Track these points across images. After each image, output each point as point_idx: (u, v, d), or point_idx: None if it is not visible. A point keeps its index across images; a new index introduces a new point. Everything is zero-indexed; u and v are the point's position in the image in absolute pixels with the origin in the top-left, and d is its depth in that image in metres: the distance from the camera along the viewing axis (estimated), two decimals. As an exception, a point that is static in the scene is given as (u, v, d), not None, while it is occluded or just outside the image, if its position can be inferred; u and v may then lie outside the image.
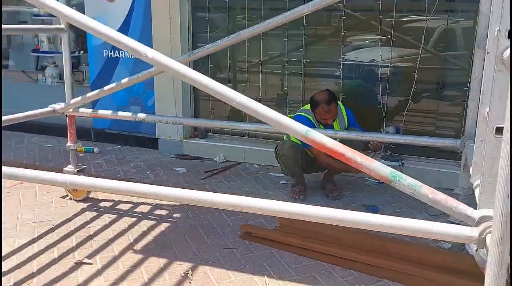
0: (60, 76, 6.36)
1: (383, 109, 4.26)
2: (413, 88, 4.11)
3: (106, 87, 3.26)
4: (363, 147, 3.70)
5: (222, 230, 3.33)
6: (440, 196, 1.67)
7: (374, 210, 3.65)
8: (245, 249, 3.08)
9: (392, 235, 3.10)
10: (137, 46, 1.92)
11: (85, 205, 3.74)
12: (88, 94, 3.36)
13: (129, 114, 3.44)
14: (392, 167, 4.25)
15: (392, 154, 4.27)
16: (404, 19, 4.20)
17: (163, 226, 3.40)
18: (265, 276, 2.74)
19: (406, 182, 1.69)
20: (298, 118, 3.72)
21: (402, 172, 1.80)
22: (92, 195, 3.88)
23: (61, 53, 6.12)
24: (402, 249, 2.94)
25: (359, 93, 4.43)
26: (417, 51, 4.06)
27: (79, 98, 3.36)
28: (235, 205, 1.92)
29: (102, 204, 3.77)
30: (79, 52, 6.05)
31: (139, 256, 2.98)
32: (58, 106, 3.44)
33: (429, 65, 4.13)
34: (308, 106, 3.76)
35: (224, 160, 4.78)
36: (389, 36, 4.14)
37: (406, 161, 4.21)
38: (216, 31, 4.78)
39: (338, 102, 3.78)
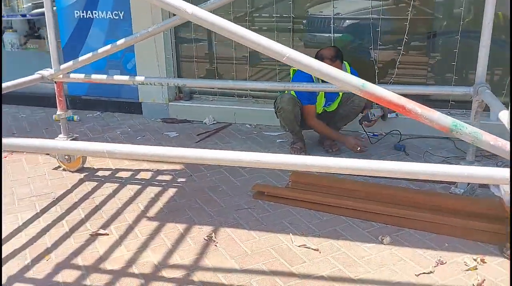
0: (20, 42, 5.97)
1: (375, 63, 4.26)
2: (404, 39, 4.12)
3: (100, 50, 3.05)
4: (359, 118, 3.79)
5: (232, 192, 3.28)
6: (502, 142, 1.68)
7: (401, 147, 3.88)
8: (261, 209, 3.05)
9: (403, 184, 3.17)
10: (175, 2, 1.77)
11: (82, 175, 3.57)
12: (80, 58, 3.14)
13: (126, 77, 3.26)
14: (389, 118, 4.32)
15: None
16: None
17: (171, 191, 3.31)
18: (290, 234, 2.74)
19: (468, 130, 1.69)
20: (299, 73, 3.67)
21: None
22: (86, 165, 3.71)
23: (19, 16, 5.80)
24: (417, 197, 3.00)
25: (351, 47, 4.39)
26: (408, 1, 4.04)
27: (71, 63, 3.14)
28: (257, 161, 1.87)
29: (100, 173, 3.61)
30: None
31: (155, 223, 2.90)
32: (47, 72, 3.21)
33: (420, 16, 4.14)
34: (313, 60, 3.69)
35: (214, 121, 4.67)
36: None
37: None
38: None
39: (345, 62, 3.72)
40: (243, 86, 3.88)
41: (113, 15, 4.72)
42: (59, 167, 3.68)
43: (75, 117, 4.86)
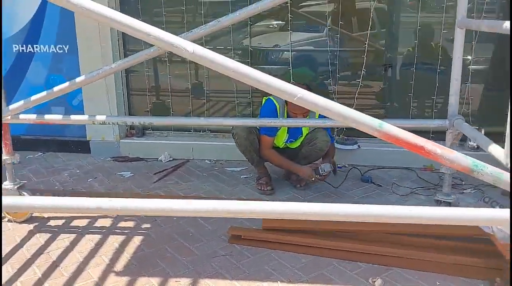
0: None
1: (334, 94, 4.25)
2: (362, 71, 4.14)
3: (56, 88, 2.75)
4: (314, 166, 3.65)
5: (204, 237, 3.06)
6: (523, 182, 1.63)
7: (368, 179, 3.87)
8: (239, 254, 2.85)
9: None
10: (173, 39, 1.59)
11: (32, 226, 3.19)
12: (33, 98, 2.82)
13: (84, 117, 2.97)
14: (350, 150, 4.30)
15: (345, 137, 4.28)
16: (351, 2, 4.21)
17: (136, 240, 3.03)
18: (278, 282, 2.56)
19: (489, 170, 1.63)
20: (267, 105, 3.60)
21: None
22: (35, 214, 3.33)
23: None
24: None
25: (309, 79, 4.35)
26: (365, 34, 4.08)
27: (21, 103, 2.82)
28: (229, 211, 1.74)
29: (52, 223, 3.25)
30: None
31: (126, 279, 2.61)
32: (-7, 113, 2.85)
33: (376, 49, 4.21)
34: (283, 93, 3.59)
35: (171, 158, 4.43)
36: (336, 20, 4.11)
37: (360, 143, 4.24)
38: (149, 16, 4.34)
39: None
40: (217, 123, 3.67)
41: (57, 49, 4.39)
42: (3, 217, 3.27)
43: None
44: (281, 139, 3.74)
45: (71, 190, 3.82)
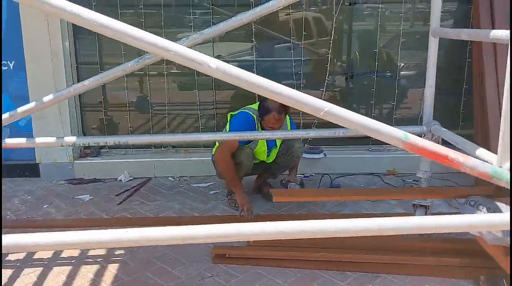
0: None
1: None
2: (326, 80, 4.17)
3: (20, 109, 2.47)
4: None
5: (185, 259, 2.89)
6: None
7: (338, 186, 3.91)
8: (226, 274, 2.73)
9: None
10: (195, 55, 1.45)
11: (-11, 262, 2.87)
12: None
13: (52, 139, 2.69)
14: (317, 158, 4.28)
15: (311, 146, 4.26)
16: (314, 13, 4.23)
17: (112, 268, 2.81)
18: (274, 300, 2.46)
19: (508, 176, 1.63)
20: (243, 115, 3.41)
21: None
22: (-10, 248, 3.00)
23: None
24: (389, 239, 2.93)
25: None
26: (328, 43, 4.12)
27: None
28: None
29: (12, 257, 2.93)
30: None
31: (110, 312, 2.40)
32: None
33: (338, 57, 4.26)
34: (255, 106, 3.46)
35: (131, 178, 4.19)
36: (299, 31, 4.11)
37: (326, 151, 4.24)
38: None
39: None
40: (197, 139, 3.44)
41: (0, 66, 4.04)
42: (-47, 255, 2.92)
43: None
44: (263, 152, 3.56)
45: (26, 218, 3.50)
